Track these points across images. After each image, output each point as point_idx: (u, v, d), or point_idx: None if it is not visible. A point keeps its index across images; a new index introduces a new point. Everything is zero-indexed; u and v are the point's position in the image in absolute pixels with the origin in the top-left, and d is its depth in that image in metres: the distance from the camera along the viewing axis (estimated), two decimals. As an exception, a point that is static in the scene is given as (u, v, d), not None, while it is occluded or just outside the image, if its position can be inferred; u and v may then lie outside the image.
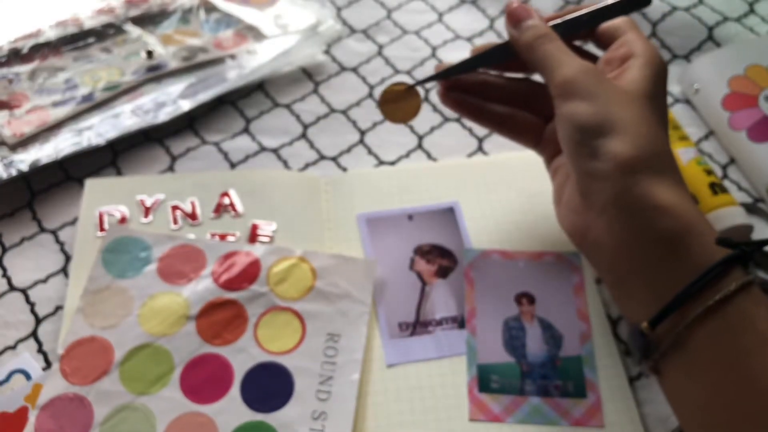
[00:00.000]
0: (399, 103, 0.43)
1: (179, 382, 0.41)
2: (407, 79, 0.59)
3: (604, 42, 0.42)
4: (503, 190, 0.50)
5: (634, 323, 0.35)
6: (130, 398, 0.40)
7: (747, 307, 0.32)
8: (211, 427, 0.39)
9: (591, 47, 0.44)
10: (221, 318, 0.43)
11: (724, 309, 0.32)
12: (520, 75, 0.45)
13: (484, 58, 0.42)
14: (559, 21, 0.41)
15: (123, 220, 0.47)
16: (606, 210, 0.36)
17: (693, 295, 0.32)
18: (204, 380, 0.41)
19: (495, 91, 0.44)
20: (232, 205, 0.49)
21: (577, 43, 0.44)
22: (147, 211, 0.48)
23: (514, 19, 0.40)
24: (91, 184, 0.49)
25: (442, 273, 0.45)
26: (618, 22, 0.41)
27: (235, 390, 0.40)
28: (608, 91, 0.36)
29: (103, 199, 0.48)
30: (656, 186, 0.34)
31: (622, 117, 0.35)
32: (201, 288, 0.44)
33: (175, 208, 0.48)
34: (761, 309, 0.32)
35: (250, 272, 0.44)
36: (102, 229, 0.47)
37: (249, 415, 0.40)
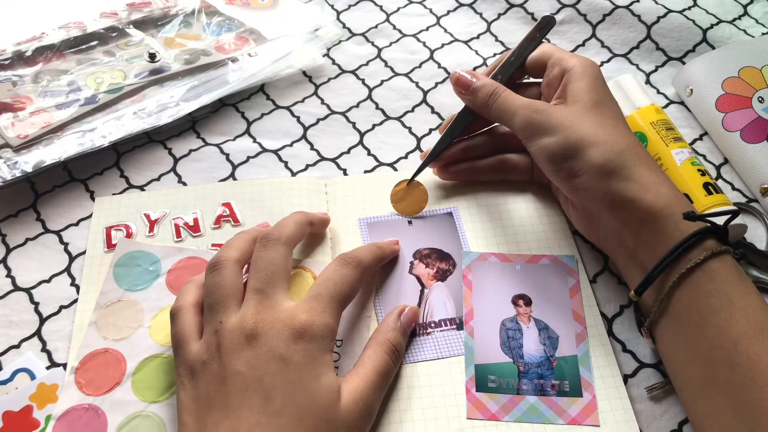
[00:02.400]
0: (408, 198, 0.49)
1: None
2: (406, 80, 0.60)
3: (537, 71, 0.48)
4: (500, 194, 0.50)
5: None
6: (142, 406, 0.40)
7: (716, 272, 0.37)
8: None
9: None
10: None
11: (696, 275, 0.37)
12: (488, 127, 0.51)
13: (453, 129, 0.49)
14: (496, 70, 0.48)
15: (129, 236, 0.48)
16: (600, 211, 0.42)
17: (669, 265, 0.38)
18: None
19: (478, 149, 0.50)
20: (232, 215, 0.49)
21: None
22: (152, 225, 0.49)
23: (462, 87, 0.47)
24: (100, 202, 0.50)
25: (441, 276, 0.46)
26: (540, 50, 0.47)
27: None
28: (560, 118, 0.42)
29: (111, 216, 0.49)
30: (629, 181, 0.40)
31: (581, 133, 0.41)
32: None
33: (178, 221, 0.49)
34: (729, 273, 0.37)
35: None
36: (110, 246, 0.48)
37: None
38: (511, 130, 0.45)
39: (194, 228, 0.49)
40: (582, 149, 0.41)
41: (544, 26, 0.48)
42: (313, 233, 0.47)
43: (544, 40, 0.48)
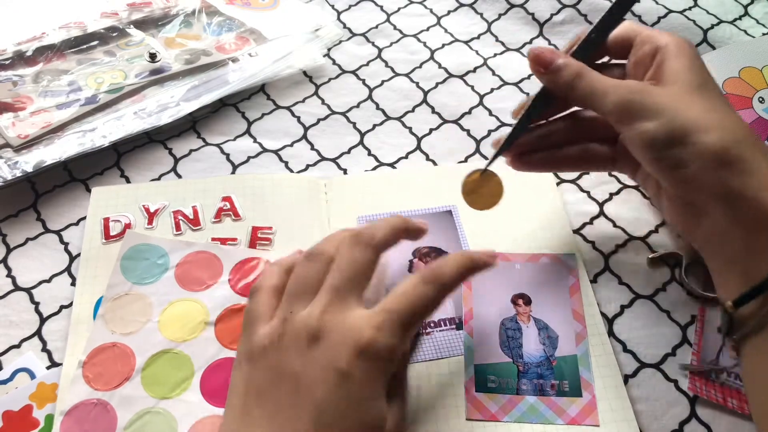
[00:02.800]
0: (481, 190, 0.44)
1: (199, 386, 0.41)
2: (407, 81, 0.60)
3: (619, 51, 0.42)
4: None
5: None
6: (152, 402, 0.40)
7: None
8: None
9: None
10: (239, 323, 0.43)
11: None
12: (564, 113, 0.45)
13: (530, 113, 0.42)
14: (576, 48, 0.41)
15: (127, 227, 0.48)
16: (707, 207, 0.36)
17: None
18: (224, 384, 0.41)
19: (557, 137, 0.44)
20: (233, 209, 0.49)
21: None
22: (151, 217, 0.49)
23: (542, 64, 0.40)
24: (97, 192, 0.50)
25: (440, 274, 0.46)
26: (624, 28, 0.41)
27: None
28: (663, 98, 0.36)
29: (109, 207, 0.49)
30: (749, 176, 0.34)
31: (689, 117, 0.35)
32: (218, 294, 0.45)
33: (177, 213, 0.49)
34: None
35: None
36: (108, 237, 0.47)
37: None
38: (599, 114, 0.39)
39: (194, 221, 0.48)
40: (692, 135, 0.35)
41: (625, 2, 0.41)
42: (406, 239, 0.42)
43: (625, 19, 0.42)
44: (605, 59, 0.44)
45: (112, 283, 0.45)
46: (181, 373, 0.41)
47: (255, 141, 0.55)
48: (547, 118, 0.44)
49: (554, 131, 0.44)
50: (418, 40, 0.63)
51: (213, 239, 0.48)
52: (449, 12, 0.66)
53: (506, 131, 0.43)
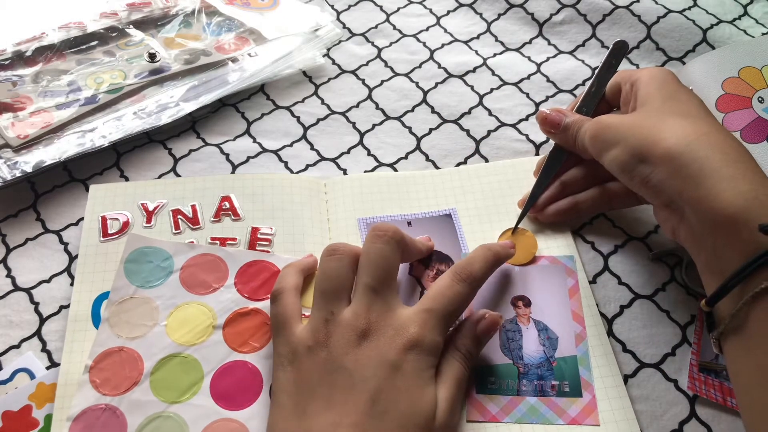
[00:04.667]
0: (517, 246, 0.46)
1: (210, 389, 0.41)
2: (406, 81, 0.60)
3: (617, 97, 0.46)
4: (499, 196, 0.50)
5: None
6: (162, 407, 0.40)
7: None
8: None
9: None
10: (247, 327, 0.43)
11: None
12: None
13: (548, 170, 0.48)
14: (579, 103, 0.47)
15: (126, 225, 0.48)
16: (682, 210, 0.38)
17: (746, 277, 0.34)
18: (234, 387, 0.41)
19: (576, 185, 0.48)
20: (232, 209, 0.49)
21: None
22: (149, 216, 0.48)
23: (552, 126, 0.46)
24: (95, 190, 0.50)
25: (440, 276, 0.46)
26: (615, 76, 0.46)
27: (265, 396, 0.41)
28: (622, 125, 0.40)
29: (107, 205, 0.49)
30: (700, 178, 0.35)
31: (644, 134, 0.38)
32: (225, 298, 0.44)
33: (176, 212, 0.49)
34: None
35: (272, 283, 0.44)
36: (106, 235, 0.47)
37: None
38: (587, 155, 0.44)
39: (193, 220, 0.48)
40: (647, 150, 0.38)
41: (617, 52, 0.48)
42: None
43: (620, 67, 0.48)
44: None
45: (116, 287, 0.44)
46: (190, 376, 0.41)
47: (254, 141, 0.55)
48: (563, 172, 0.48)
49: (572, 178, 0.48)
50: (418, 40, 0.63)
51: (212, 239, 0.47)
52: (449, 12, 0.66)
53: (528, 191, 0.48)
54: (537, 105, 0.58)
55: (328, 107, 0.58)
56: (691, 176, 0.36)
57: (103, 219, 0.48)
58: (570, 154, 0.47)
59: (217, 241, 0.47)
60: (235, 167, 0.53)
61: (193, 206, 0.49)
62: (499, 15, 0.65)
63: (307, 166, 0.54)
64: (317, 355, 0.37)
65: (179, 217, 0.48)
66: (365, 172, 0.53)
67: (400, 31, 0.64)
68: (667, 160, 0.37)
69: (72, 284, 0.46)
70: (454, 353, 0.39)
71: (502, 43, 0.63)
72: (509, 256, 0.44)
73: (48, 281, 0.47)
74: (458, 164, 0.54)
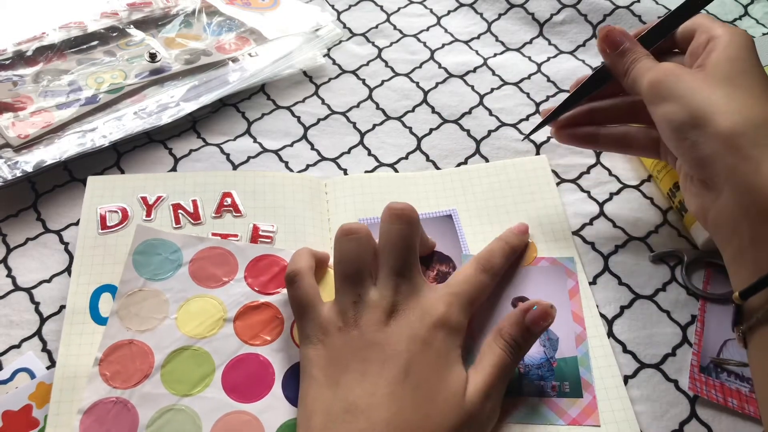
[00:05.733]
0: None
1: (221, 382, 0.41)
2: (407, 81, 0.60)
3: (686, 43, 0.42)
4: (500, 196, 0.50)
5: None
6: (174, 400, 0.40)
7: None
8: (257, 424, 0.39)
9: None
10: (258, 320, 0.43)
11: None
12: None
13: (584, 90, 0.44)
14: (644, 34, 0.42)
15: (125, 217, 0.48)
16: (720, 190, 0.36)
17: None
18: (246, 380, 0.41)
19: (604, 114, 0.46)
20: (233, 205, 0.49)
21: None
22: (149, 209, 0.48)
23: (610, 45, 0.42)
24: (93, 182, 0.49)
25: (441, 278, 0.46)
26: (692, 20, 0.42)
27: (277, 388, 0.41)
28: (688, 83, 0.37)
29: (105, 197, 0.48)
30: (760, 163, 0.34)
31: (708, 101, 0.36)
32: (236, 291, 0.44)
33: (176, 207, 0.49)
34: None
35: (282, 278, 0.44)
36: (104, 227, 0.47)
37: (293, 413, 0.40)
38: (639, 95, 0.40)
39: (194, 215, 0.48)
40: (707, 118, 0.35)
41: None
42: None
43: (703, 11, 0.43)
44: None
45: (124, 279, 0.44)
46: (202, 369, 0.41)
47: (255, 141, 0.55)
48: (599, 98, 0.45)
49: (604, 108, 0.46)
50: (418, 40, 0.63)
51: (213, 235, 0.47)
52: (449, 12, 0.66)
53: (556, 102, 0.45)
54: (537, 105, 0.58)
55: (329, 107, 0.58)
56: (752, 158, 0.34)
57: (102, 211, 0.48)
58: (613, 81, 0.43)
59: (219, 237, 0.47)
60: (235, 167, 0.53)
61: (193, 201, 0.49)
62: (500, 15, 0.65)
63: (308, 166, 0.54)
64: (348, 333, 0.38)
65: (180, 211, 0.48)
66: (366, 172, 0.53)
67: (400, 31, 0.64)
68: (728, 136, 0.35)
69: (72, 283, 0.46)
70: (497, 340, 0.39)
71: (503, 43, 0.63)
72: (523, 244, 0.46)
73: (48, 281, 0.47)
74: (459, 164, 0.54)
